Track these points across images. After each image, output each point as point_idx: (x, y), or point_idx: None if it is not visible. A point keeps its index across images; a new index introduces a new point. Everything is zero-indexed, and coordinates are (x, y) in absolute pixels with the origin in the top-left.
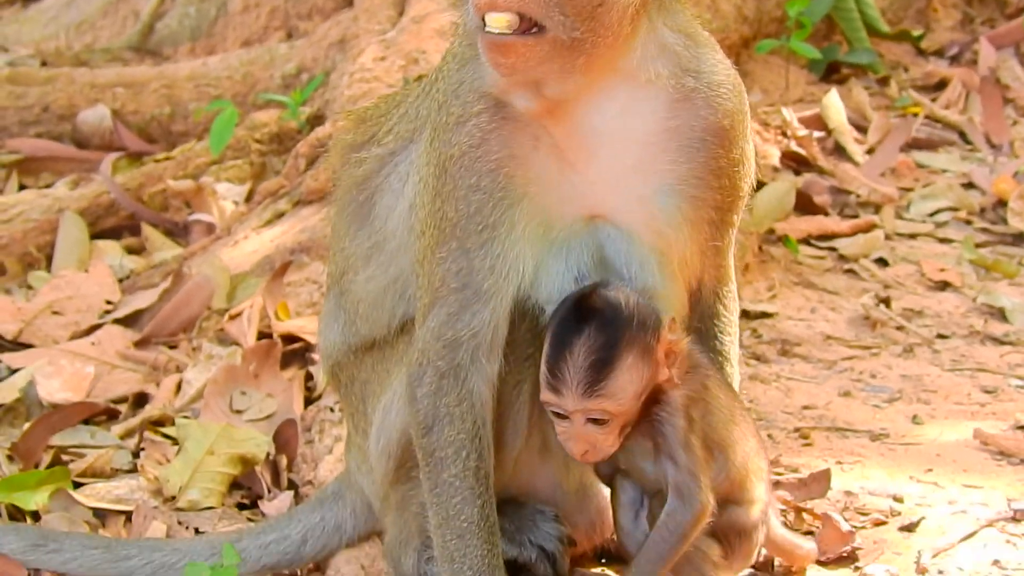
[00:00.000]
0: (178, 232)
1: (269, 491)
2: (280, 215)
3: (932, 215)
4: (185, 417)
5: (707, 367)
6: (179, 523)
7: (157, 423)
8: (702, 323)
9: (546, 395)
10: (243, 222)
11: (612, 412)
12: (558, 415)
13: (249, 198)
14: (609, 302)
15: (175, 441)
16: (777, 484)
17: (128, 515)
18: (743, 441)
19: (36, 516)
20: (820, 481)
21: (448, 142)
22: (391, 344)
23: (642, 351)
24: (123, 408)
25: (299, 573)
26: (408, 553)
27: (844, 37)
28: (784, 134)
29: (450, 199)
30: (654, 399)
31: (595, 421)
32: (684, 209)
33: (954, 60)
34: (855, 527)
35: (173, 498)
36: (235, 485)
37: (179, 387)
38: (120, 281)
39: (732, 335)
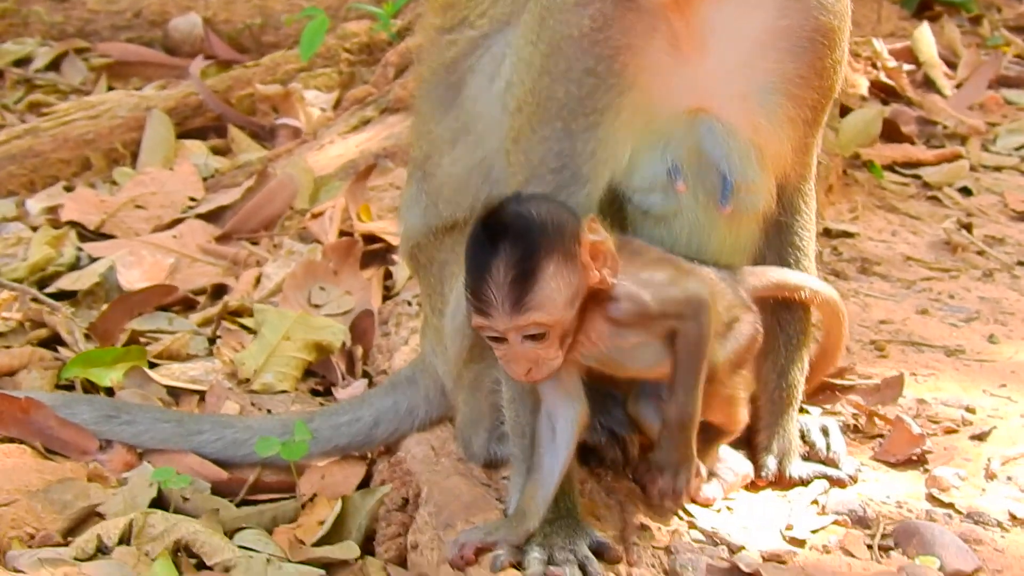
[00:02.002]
0: (264, 135)
1: (343, 379)
2: (367, 122)
3: (1018, 149)
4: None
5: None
6: (252, 404)
7: (235, 313)
8: (784, 217)
9: (476, 320)
10: (329, 127)
11: (545, 323)
12: (494, 339)
13: (337, 105)
14: (519, 214)
15: (252, 331)
16: (849, 389)
17: (202, 395)
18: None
19: (110, 393)
20: (893, 387)
21: (567, 22)
22: None
23: (564, 257)
24: (202, 300)
25: (369, 455)
26: (479, 433)
27: None
28: (874, 65)
29: (561, 80)
30: (586, 311)
31: (532, 337)
32: (785, 107)
33: None
34: (926, 434)
35: (247, 380)
36: (310, 373)
37: (258, 280)
38: (204, 180)
39: (811, 231)
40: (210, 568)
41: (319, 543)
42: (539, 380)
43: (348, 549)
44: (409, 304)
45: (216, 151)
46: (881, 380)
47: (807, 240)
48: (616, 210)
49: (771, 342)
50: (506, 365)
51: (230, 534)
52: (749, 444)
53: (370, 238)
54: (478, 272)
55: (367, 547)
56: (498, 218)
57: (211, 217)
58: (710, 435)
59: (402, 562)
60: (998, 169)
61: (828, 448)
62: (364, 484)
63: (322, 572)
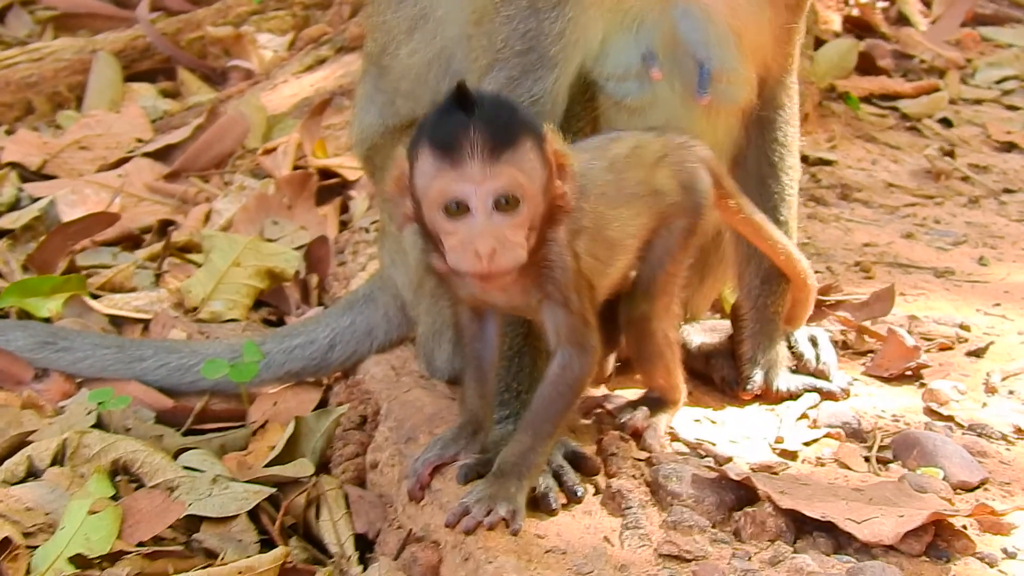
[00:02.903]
0: (215, 78)
1: (298, 308)
2: (322, 61)
3: (999, 82)
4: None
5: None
6: (200, 333)
7: (183, 249)
8: (765, 112)
9: (441, 181)
10: (283, 67)
11: (523, 187)
12: (456, 212)
13: (291, 47)
14: (492, 92)
15: (201, 265)
16: (836, 305)
17: (146, 324)
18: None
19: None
20: (883, 300)
21: None
22: None
23: (537, 140)
24: (148, 237)
25: (325, 381)
26: (441, 345)
27: None
28: (846, 2)
29: None
30: (542, 236)
31: (504, 209)
32: None
33: None
34: (921, 347)
35: (195, 309)
36: (261, 303)
37: (208, 217)
38: (153, 122)
39: (795, 128)
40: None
41: (271, 465)
42: (500, 271)
43: (301, 467)
44: (367, 231)
45: (165, 94)
46: (870, 295)
47: (791, 137)
48: (588, 100)
49: (752, 246)
50: (466, 245)
51: (173, 456)
52: (732, 356)
53: (326, 173)
54: (450, 124)
55: (323, 471)
56: (470, 92)
57: (159, 156)
58: (654, 408)
59: (361, 483)
60: (978, 102)
61: (817, 359)
62: (320, 409)
63: (273, 490)
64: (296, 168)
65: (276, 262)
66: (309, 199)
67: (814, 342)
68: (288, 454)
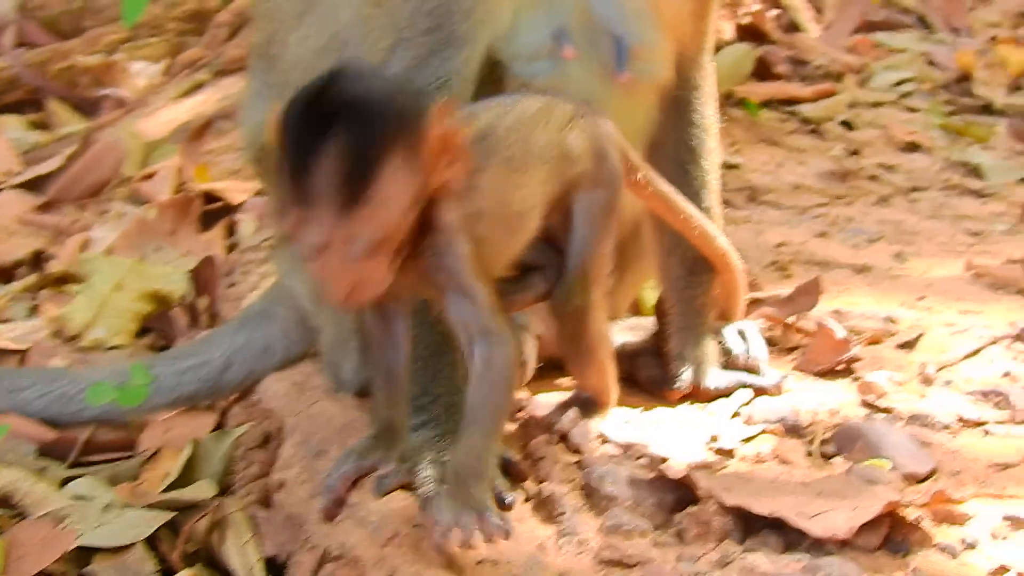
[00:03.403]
0: (87, 108)
1: (187, 333)
2: (199, 85)
3: (896, 85)
4: None
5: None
6: (83, 362)
7: (60, 280)
8: (683, 92)
9: (289, 224)
10: (159, 93)
11: (379, 231)
12: (314, 250)
13: (166, 73)
14: (355, 92)
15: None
16: (758, 302)
17: (22, 355)
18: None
19: None
20: (808, 294)
21: None
22: None
23: (408, 148)
24: (21, 270)
25: (219, 406)
26: (348, 354)
27: None
28: (736, 11)
29: None
30: (425, 223)
31: (359, 251)
32: None
33: None
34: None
35: (76, 337)
36: (147, 330)
37: (85, 246)
38: (23, 155)
39: (713, 110)
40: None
41: (168, 491)
42: (358, 304)
43: (201, 489)
44: (258, 249)
45: (35, 125)
46: (794, 288)
47: (710, 120)
48: (495, 82)
49: (675, 234)
50: (322, 284)
51: (59, 486)
52: (658, 354)
53: (210, 197)
54: (296, 161)
55: (226, 494)
56: (326, 96)
57: (30, 187)
58: (584, 410)
59: (267, 505)
60: (878, 105)
61: (748, 354)
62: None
63: (172, 515)
64: (177, 193)
65: (162, 284)
66: (192, 223)
67: (743, 336)
68: (186, 479)
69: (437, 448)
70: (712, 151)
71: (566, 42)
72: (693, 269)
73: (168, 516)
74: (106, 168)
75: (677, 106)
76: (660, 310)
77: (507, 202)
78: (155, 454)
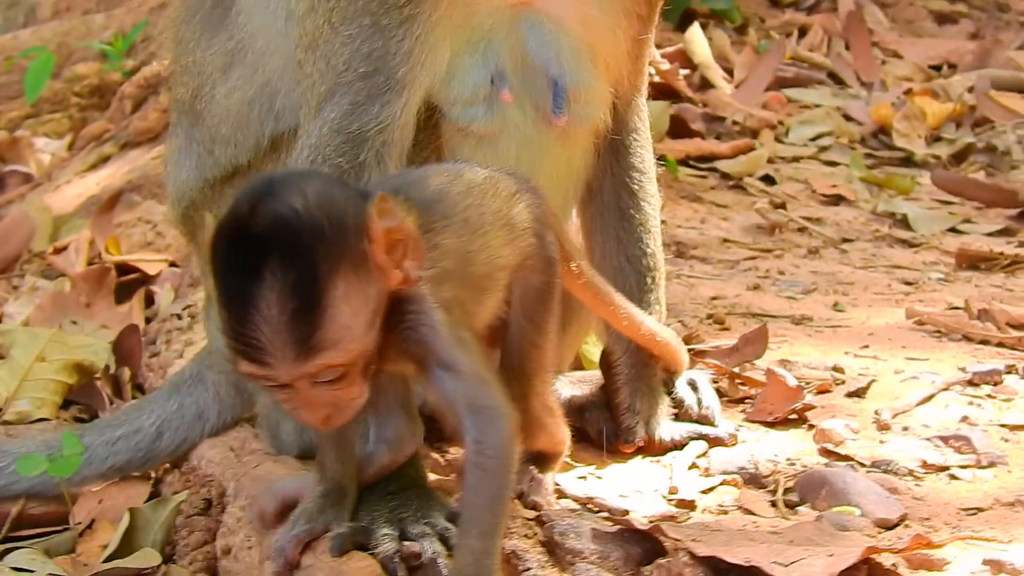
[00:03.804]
0: None
1: (111, 403)
2: (106, 159)
3: (814, 139)
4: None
5: (442, 219)
6: (8, 436)
7: None
8: (620, 136)
9: (247, 368)
10: (64, 168)
11: (342, 362)
12: (280, 387)
13: (71, 147)
14: (279, 215)
15: None
16: (702, 354)
17: None
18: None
19: None
20: (755, 343)
21: None
22: (259, 167)
23: (354, 265)
24: None
25: (153, 475)
26: (286, 417)
27: None
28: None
29: None
30: (392, 308)
31: (327, 381)
32: None
33: (810, 11)
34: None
35: None
36: (71, 402)
37: None
38: None
39: (650, 152)
40: None
41: (108, 561)
42: (341, 425)
43: (146, 556)
44: (179, 317)
45: None
46: (739, 338)
47: (648, 163)
48: (431, 128)
49: (620, 282)
50: (294, 413)
51: None
52: (608, 406)
53: (124, 269)
54: (241, 309)
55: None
56: (253, 227)
57: None
58: (538, 464)
59: (212, 573)
60: (796, 159)
61: (700, 404)
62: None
63: None
64: (90, 265)
65: (84, 355)
66: (108, 295)
67: (694, 386)
68: (125, 550)
69: (391, 506)
70: (653, 195)
71: (503, 86)
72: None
73: None
74: (15, 243)
75: (614, 150)
76: (606, 363)
77: (470, 262)
78: (90, 526)
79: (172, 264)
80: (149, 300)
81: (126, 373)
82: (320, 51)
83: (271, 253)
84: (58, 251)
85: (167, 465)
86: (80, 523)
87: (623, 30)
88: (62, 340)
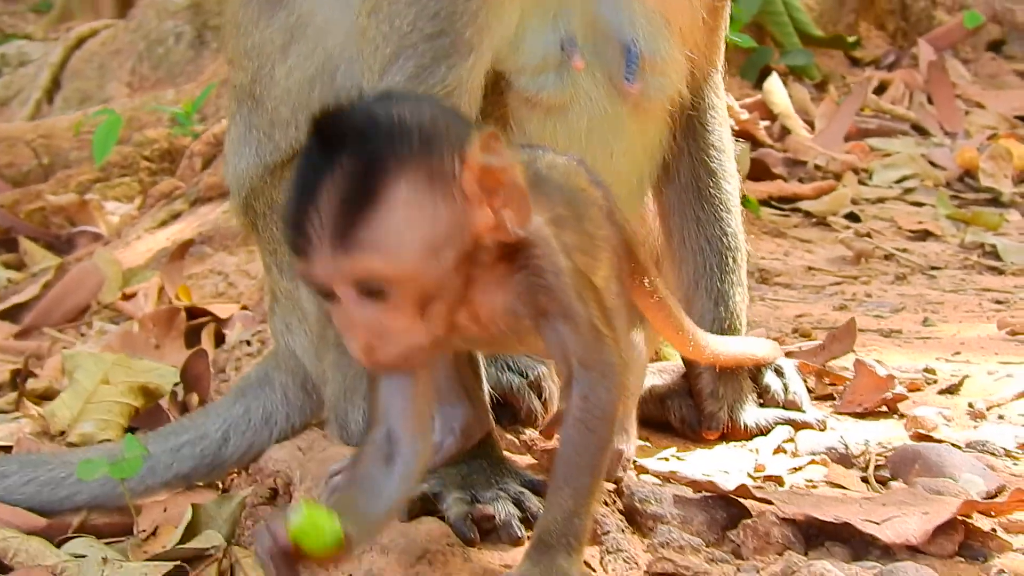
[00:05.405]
0: (60, 246)
1: None
2: (176, 216)
3: (899, 182)
4: None
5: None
6: None
7: (42, 396)
8: (696, 113)
9: (297, 264)
10: (135, 225)
11: (387, 274)
12: (325, 294)
13: (141, 207)
14: (368, 114)
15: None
16: (788, 355)
17: (7, 451)
18: None
19: None
20: (843, 339)
21: None
22: None
23: (429, 178)
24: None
25: (221, 485)
26: (355, 404)
27: (774, 42)
28: None
29: None
30: (509, 248)
31: (370, 294)
32: None
33: (891, 68)
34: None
35: (62, 433)
36: (136, 430)
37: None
38: None
39: (728, 130)
40: None
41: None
42: (387, 364)
43: (209, 538)
44: (248, 343)
45: (7, 266)
46: (827, 335)
47: (727, 141)
48: (497, 98)
49: (700, 264)
50: (345, 337)
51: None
52: (690, 394)
53: (194, 314)
54: (299, 193)
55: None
56: (343, 121)
57: (7, 316)
58: None
59: None
60: (881, 200)
61: (786, 390)
62: None
63: (176, 563)
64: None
65: (150, 378)
66: (178, 338)
67: (779, 373)
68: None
69: (462, 472)
70: (733, 175)
71: (574, 52)
72: (722, 299)
73: (172, 566)
74: (84, 293)
75: (691, 128)
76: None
77: (581, 216)
78: (154, 533)
79: (244, 308)
80: (220, 340)
81: (194, 399)
82: (384, 13)
83: (348, 145)
84: (127, 297)
85: (235, 473)
86: (144, 531)
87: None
88: (127, 364)
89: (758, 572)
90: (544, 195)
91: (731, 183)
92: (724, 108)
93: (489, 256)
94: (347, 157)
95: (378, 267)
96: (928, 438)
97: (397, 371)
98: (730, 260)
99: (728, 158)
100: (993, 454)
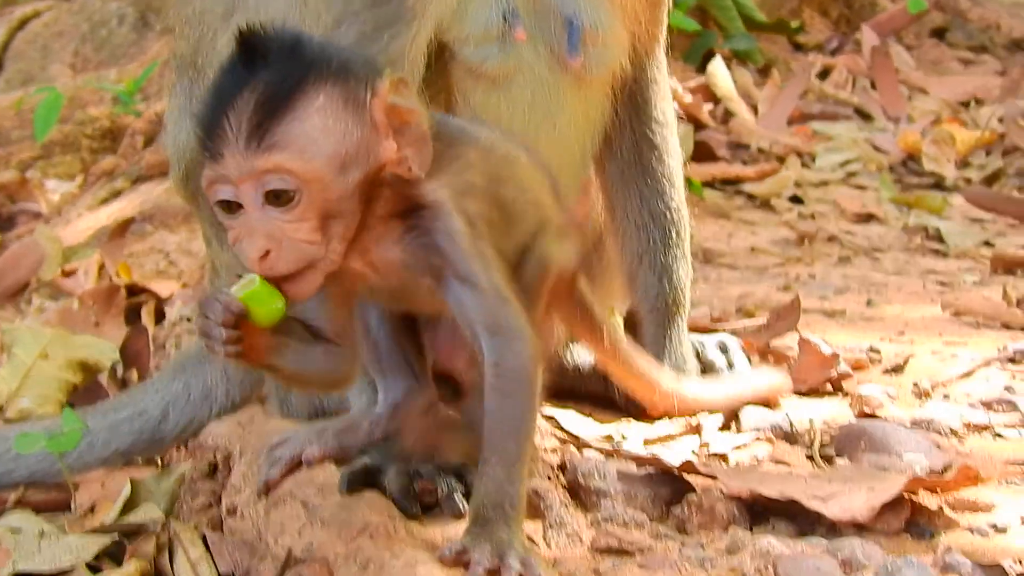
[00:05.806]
0: (1, 224)
1: None
2: (117, 193)
3: (842, 165)
4: None
5: (478, 143)
6: None
7: None
8: (637, 88)
9: (206, 174)
10: (76, 203)
11: (296, 172)
12: (227, 206)
13: (83, 185)
14: (293, 36)
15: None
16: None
17: None
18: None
19: None
20: (786, 317)
21: None
22: None
23: (344, 98)
24: None
25: (160, 461)
26: None
27: (718, 26)
28: None
29: None
30: (406, 206)
31: (275, 198)
32: None
33: (834, 53)
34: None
35: (0, 409)
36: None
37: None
38: None
39: (671, 107)
40: None
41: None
42: (280, 272)
43: (148, 511)
44: (188, 321)
45: None
46: (770, 314)
47: (670, 116)
48: (441, 68)
49: (644, 238)
50: (239, 245)
51: None
52: None
53: (135, 291)
54: (217, 99)
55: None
56: (265, 36)
57: None
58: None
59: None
60: (824, 183)
61: (729, 365)
62: None
63: (114, 537)
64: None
65: (89, 353)
66: (118, 315)
67: (723, 348)
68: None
69: (403, 446)
70: (676, 150)
71: (516, 23)
72: (666, 271)
73: (110, 539)
74: (23, 270)
75: (633, 102)
76: (630, 323)
77: (500, 182)
78: (91, 509)
79: (184, 286)
80: (160, 318)
81: (134, 374)
82: None
83: (271, 58)
84: (67, 274)
85: (175, 448)
86: (81, 505)
87: None
88: (66, 339)
89: (703, 548)
90: (456, 159)
91: (674, 158)
92: (666, 83)
93: (387, 201)
94: (269, 69)
95: (288, 163)
96: (873, 416)
97: (295, 289)
98: (673, 234)
99: (671, 132)
100: (939, 432)
